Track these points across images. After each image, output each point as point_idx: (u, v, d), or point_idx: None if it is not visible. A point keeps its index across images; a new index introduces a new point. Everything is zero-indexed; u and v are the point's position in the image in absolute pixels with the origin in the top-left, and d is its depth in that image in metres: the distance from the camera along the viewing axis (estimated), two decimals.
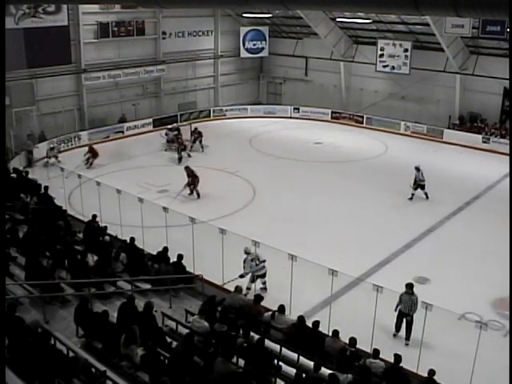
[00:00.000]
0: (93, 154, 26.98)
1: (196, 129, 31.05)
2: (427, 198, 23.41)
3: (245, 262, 15.34)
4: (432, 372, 10.49)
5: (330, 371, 10.31)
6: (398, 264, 17.98)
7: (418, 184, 23.37)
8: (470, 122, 34.34)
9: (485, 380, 11.36)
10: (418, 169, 23.32)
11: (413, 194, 23.49)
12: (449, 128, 34.51)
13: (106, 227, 16.70)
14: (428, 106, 35.09)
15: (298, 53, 40.80)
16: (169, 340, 11.34)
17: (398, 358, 10.89)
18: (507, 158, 28.38)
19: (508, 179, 26.15)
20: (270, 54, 41.76)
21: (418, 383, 10.67)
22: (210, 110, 38.87)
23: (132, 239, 15.62)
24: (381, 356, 11.20)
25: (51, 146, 28.42)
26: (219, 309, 12.54)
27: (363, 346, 11.83)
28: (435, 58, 34.00)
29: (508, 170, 27.26)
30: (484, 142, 32.54)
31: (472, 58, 33.89)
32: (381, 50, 35.83)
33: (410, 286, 13.77)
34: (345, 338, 11.65)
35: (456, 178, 26.22)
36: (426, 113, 35.07)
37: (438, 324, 12.85)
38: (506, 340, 13.82)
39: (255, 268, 15.36)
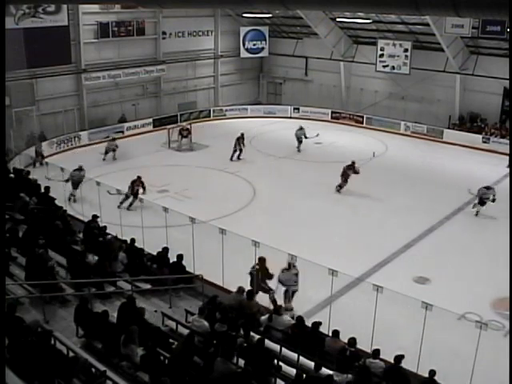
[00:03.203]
0: None
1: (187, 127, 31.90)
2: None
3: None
4: (432, 372, 10.47)
5: (330, 371, 10.33)
6: (398, 264, 17.99)
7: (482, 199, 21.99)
8: (470, 122, 34.35)
9: (485, 380, 11.36)
10: (488, 188, 22.06)
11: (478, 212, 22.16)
12: (449, 128, 34.54)
13: (105, 227, 16.69)
14: (428, 106, 35.09)
15: (297, 53, 40.81)
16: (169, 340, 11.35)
17: (398, 358, 10.89)
18: (507, 157, 28.41)
19: (508, 179, 26.17)
20: (270, 54, 41.76)
21: (418, 383, 10.66)
22: (210, 110, 38.89)
23: (132, 240, 15.61)
24: (381, 356, 11.22)
25: (113, 137, 29.76)
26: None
27: (363, 346, 11.84)
28: (435, 58, 34.00)
29: (508, 170, 27.37)
30: (484, 142, 32.54)
31: (472, 57, 33.90)
32: (381, 49, 35.84)
33: None
34: (345, 338, 11.66)
35: (456, 178, 26.20)
36: (426, 113, 35.07)
37: (438, 324, 12.86)
38: (506, 340, 13.82)
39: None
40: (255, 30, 40.49)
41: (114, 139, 29.01)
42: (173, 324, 12.35)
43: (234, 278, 14.59)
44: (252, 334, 11.56)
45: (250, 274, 14.70)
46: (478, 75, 33.21)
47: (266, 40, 40.86)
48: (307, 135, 30.65)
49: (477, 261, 18.19)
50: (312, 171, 27.33)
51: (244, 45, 40.38)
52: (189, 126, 32.16)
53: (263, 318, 12.69)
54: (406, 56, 34.96)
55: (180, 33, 37.07)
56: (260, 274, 14.53)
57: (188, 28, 37.38)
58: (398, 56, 35.21)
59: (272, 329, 12.31)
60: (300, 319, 12.20)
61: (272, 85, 43.25)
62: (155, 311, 13.16)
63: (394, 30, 35.35)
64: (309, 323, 12.20)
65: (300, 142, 30.66)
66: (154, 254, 15.47)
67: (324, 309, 14.32)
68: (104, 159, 28.19)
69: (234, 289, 13.72)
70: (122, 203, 21.44)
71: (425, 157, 30.04)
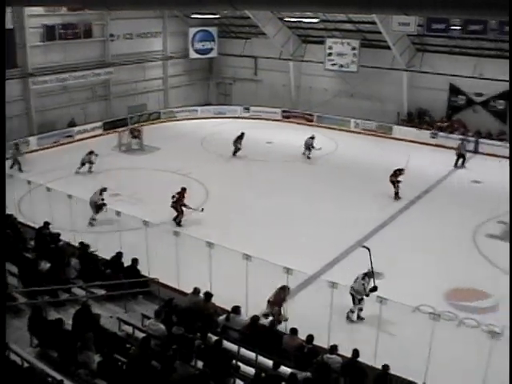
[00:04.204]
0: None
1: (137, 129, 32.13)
2: None
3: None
4: (386, 367, 10.69)
5: (289, 369, 10.40)
6: (352, 260, 18.11)
7: None
8: (418, 118, 35.02)
9: (439, 370, 11.57)
10: None
11: None
12: (397, 124, 35.15)
13: (59, 234, 16.42)
14: (377, 103, 35.57)
15: (247, 53, 40.87)
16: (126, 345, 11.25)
17: (355, 352, 11.05)
18: (452, 152, 29.07)
19: (455, 172, 26.81)
20: (219, 55, 41.75)
21: (374, 376, 10.82)
22: (160, 112, 38.64)
23: (85, 245, 15.42)
24: (338, 352, 11.36)
25: (90, 150, 27.73)
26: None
27: (320, 342, 11.95)
28: (383, 56, 34.57)
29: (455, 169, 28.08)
30: (432, 138, 33.25)
31: (418, 55, 34.62)
32: (329, 48, 36.27)
33: None
34: (302, 335, 11.75)
35: (406, 173, 26.63)
36: (374, 110, 35.55)
37: (393, 317, 13.08)
38: (458, 330, 14.20)
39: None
40: (204, 31, 40.42)
41: (91, 152, 27.38)
42: (129, 329, 12.26)
43: (190, 280, 14.52)
44: (210, 335, 11.56)
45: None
46: (425, 72, 33.91)
47: (214, 40, 40.85)
48: (315, 145, 29.41)
49: (429, 253, 18.52)
50: (265, 170, 27.45)
51: (193, 46, 40.26)
52: (140, 128, 32.02)
53: (220, 318, 12.70)
54: (354, 54, 35.50)
55: (128, 34, 36.74)
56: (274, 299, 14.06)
57: (136, 30, 37.08)
58: (346, 54, 35.68)
59: (229, 329, 12.33)
60: (255, 318, 12.25)
61: (222, 85, 43.23)
62: (111, 317, 13.04)
63: (341, 29, 35.79)
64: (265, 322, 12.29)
65: (308, 149, 29.60)
66: (108, 258, 15.31)
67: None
68: (78, 172, 26.77)
69: (190, 291, 13.68)
70: (177, 221, 20.93)
71: (374, 153, 30.41)
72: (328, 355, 11.21)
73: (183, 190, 21.06)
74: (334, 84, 37.87)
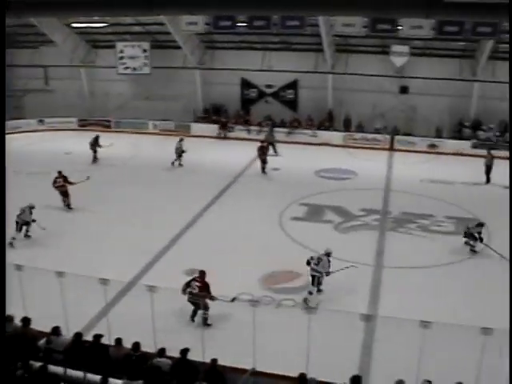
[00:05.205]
0: None
1: None
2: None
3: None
4: (214, 360, 11.01)
5: (120, 380, 10.33)
6: (167, 260, 18.20)
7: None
8: (214, 114, 36.09)
9: (267, 352, 12.04)
10: (481, 224, 18.88)
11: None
12: (195, 121, 35.93)
13: None
14: (173, 103, 36.11)
15: (36, 62, 39.06)
16: None
17: (183, 352, 11.24)
18: (250, 143, 30.29)
19: (254, 162, 27.96)
20: (6, 66, 39.43)
21: (204, 371, 11.08)
22: None
23: None
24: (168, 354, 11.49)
25: None
26: None
27: (148, 348, 11.99)
28: (174, 56, 35.33)
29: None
30: (229, 132, 34.54)
31: (209, 52, 35.78)
32: (120, 52, 36.14)
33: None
34: (128, 343, 11.69)
35: (209, 169, 27.34)
36: (172, 109, 36.11)
37: (215, 311, 13.44)
38: (277, 311, 14.94)
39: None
40: None
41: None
42: None
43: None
44: (32, 362, 11.09)
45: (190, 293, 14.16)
46: (216, 68, 35.04)
47: None
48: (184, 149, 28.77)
49: (243, 241, 19.22)
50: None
51: None
52: None
53: (41, 342, 12.23)
54: (146, 56, 35.75)
55: None
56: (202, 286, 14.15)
57: None
58: (138, 57, 35.81)
59: (52, 351, 11.92)
60: (77, 335, 11.98)
61: (12, 98, 40.88)
62: None
63: (131, 32, 35.76)
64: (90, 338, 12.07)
65: (180, 155, 28.73)
66: None
67: (102, 320, 14.16)
68: None
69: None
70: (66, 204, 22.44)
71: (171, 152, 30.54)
72: (157, 359, 11.29)
73: (60, 172, 22.66)
74: (129, 88, 37.80)
